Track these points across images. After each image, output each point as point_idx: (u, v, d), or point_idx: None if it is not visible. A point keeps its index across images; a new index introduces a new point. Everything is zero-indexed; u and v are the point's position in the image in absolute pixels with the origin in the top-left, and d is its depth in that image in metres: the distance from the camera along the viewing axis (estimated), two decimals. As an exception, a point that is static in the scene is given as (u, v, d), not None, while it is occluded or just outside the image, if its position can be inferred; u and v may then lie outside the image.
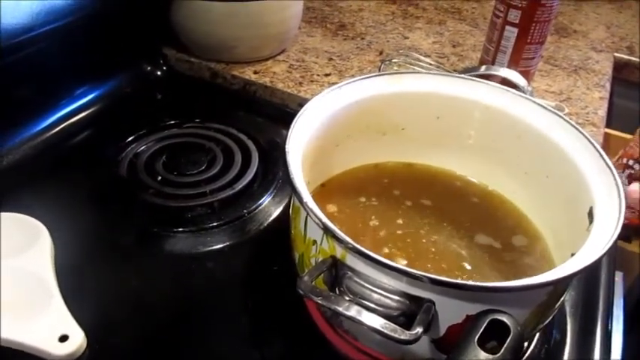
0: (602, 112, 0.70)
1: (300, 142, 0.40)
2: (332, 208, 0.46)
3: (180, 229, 0.51)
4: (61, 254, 0.46)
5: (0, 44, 0.52)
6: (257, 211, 0.54)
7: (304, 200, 0.33)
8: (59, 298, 0.42)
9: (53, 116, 0.62)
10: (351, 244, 0.31)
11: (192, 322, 0.44)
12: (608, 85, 0.77)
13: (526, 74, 0.70)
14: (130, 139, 0.61)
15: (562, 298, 0.37)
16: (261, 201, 0.55)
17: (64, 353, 0.39)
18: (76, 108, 0.64)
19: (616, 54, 0.87)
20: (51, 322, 0.40)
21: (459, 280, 0.30)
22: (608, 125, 0.79)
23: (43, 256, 0.45)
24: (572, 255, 0.33)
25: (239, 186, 0.55)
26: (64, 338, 0.39)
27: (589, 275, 0.50)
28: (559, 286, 0.34)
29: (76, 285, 0.44)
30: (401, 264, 0.41)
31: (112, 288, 0.46)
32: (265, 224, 0.53)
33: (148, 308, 0.45)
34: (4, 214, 0.47)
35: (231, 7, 0.68)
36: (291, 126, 0.39)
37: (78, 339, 0.39)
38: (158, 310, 0.45)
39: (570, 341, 0.44)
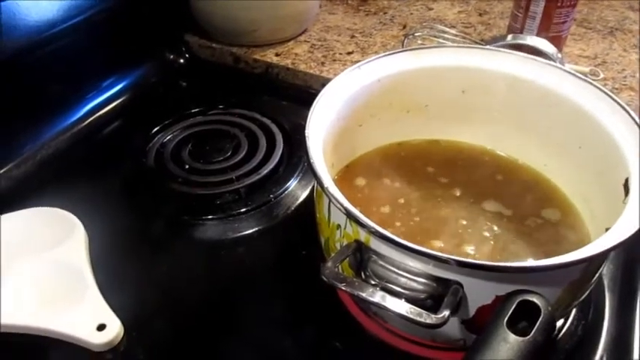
0: (641, 74, 0.67)
1: (321, 125, 0.39)
2: (361, 181, 0.46)
3: (210, 217, 0.52)
4: (95, 246, 0.47)
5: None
6: (284, 195, 0.54)
7: (325, 186, 0.33)
8: (95, 289, 0.43)
9: (81, 110, 0.63)
10: (374, 228, 0.31)
11: (224, 308, 0.44)
12: (646, 46, 0.73)
13: (557, 40, 0.67)
14: (156, 128, 0.62)
15: (597, 274, 0.35)
16: (287, 185, 0.55)
17: (102, 342, 0.40)
18: (102, 101, 0.65)
19: (655, 12, 0.82)
20: (88, 312, 0.41)
21: (485, 262, 0.29)
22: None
23: (78, 248, 0.46)
24: (607, 230, 0.32)
25: (265, 171, 0.55)
26: (101, 327, 0.41)
27: (628, 247, 0.48)
28: (593, 262, 0.33)
29: (111, 275, 0.45)
30: (435, 244, 0.40)
31: (145, 277, 0.47)
32: (292, 208, 0.53)
33: (181, 296, 0.46)
34: (40, 209, 0.49)
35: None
36: (311, 110, 0.38)
37: (115, 327, 0.41)
38: (191, 297, 0.45)
39: (609, 317, 0.43)
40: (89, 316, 0.41)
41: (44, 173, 0.56)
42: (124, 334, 0.41)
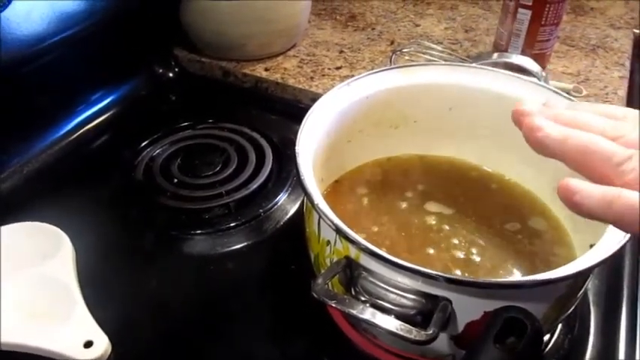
0: (622, 92, 0.68)
1: (311, 141, 0.40)
2: (351, 196, 0.47)
3: (198, 231, 0.52)
4: (83, 260, 0.47)
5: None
6: (273, 209, 0.54)
7: (315, 202, 0.33)
8: (82, 305, 0.43)
9: (70, 124, 0.63)
10: (364, 245, 0.31)
11: (214, 323, 0.44)
12: (628, 64, 0.74)
13: (541, 57, 0.68)
14: (145, 142, 0.62)
15: (583, 289, 0.36)
16: (276, 199, 0.55)
17: (89, 359, 0.39)
18: (91, 114, 0.65)
19: (636, 30, 0.84)
20: (75, 329, 0.41)
21: (473, 278, 0.29)
22: (629, 105, 0.77)
23: (65, 263, 0.46)
24: (591, 246, 0.33)
25: (254, 185, 0.55)
26: (88, 344, 0.40)
27: (612, 262, 0.49)
28: (579, 278, 0.34)
29: (99, 291, 0.45)
30: (426, 259, 0.41)
31: (133, 292, 0.46)
32: (282, 222, 0.53)
33: (170, 311, 0.45)
34: (26, 224, 0.48)
35: (238, 4, 0.67)
36: (301, 127, 0.39)
37: (102, 344, 0.40)
38: (180, 313, 0.45)
39: (594, 331, 0.43)
40: (76, 333, 0.41)
41: (31, 187, 0.56)
42: (111, 351, 0.41)
